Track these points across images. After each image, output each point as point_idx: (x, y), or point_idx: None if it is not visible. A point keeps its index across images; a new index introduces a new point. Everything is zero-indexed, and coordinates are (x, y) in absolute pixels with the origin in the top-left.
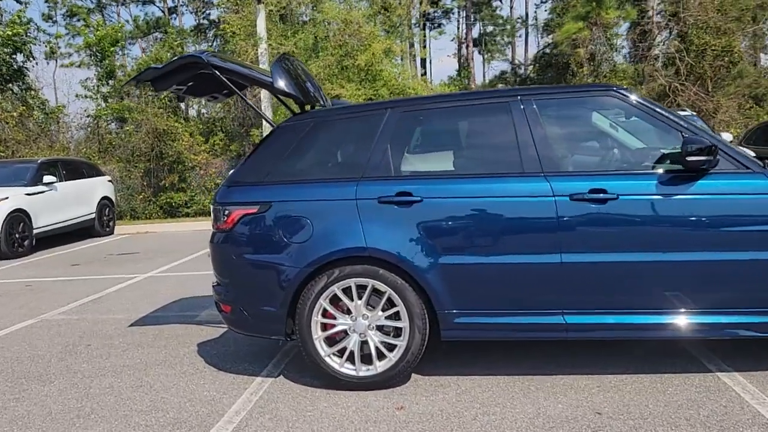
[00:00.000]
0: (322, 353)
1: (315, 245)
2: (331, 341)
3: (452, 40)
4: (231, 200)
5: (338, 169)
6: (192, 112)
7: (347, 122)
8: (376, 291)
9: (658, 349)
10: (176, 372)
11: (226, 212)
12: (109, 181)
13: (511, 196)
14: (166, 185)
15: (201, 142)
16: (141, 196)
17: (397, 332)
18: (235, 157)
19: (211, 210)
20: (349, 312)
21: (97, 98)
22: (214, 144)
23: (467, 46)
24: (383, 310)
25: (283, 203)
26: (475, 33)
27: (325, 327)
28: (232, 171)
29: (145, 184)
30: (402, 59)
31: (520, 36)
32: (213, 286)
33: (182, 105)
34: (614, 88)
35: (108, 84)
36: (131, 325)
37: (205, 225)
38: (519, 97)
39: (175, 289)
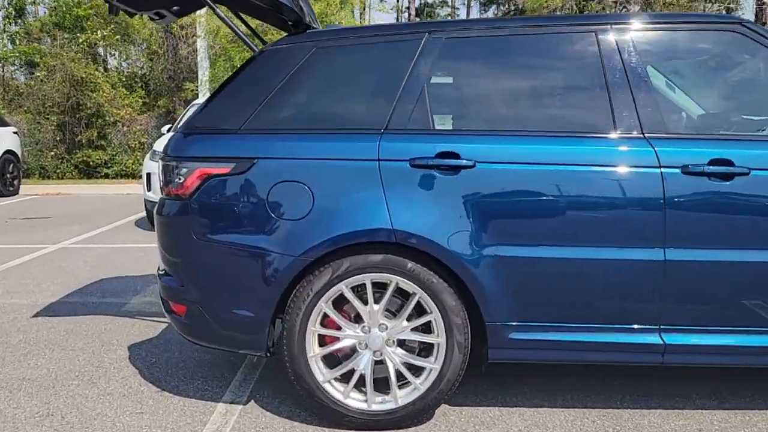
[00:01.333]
0: (320, 377)
1: (316, 224)
2: (332, 361)
3: (392, 9)
4: (192, 154)
5: (351, 115)
6: (113, 62)
7: (365, 49)
8: (399, 292)
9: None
10: (99, 392)
11: (184, 171)
12: (15, 133)
13: (600, 166)
14: (83, 141)
15: (124, 95)
16: (53, 153)
17: (427, 350)
18: (164, 114)
19: (159, 167)
20: (359, 320)
21: (2, 39)
22: (139, 99)
23: (408, 17)
24: (409, 319)
25: (271, 162)
26: (417, 2)
27: (324, 341)
28: (193, 113)
29: (58, 139)
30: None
31: (459, 8)
32: (159, 275)
33: (101, 53)
34: (742, 22)
35: (16, 23)
36: (36, 315)
37: (129, 188)
38: (611, 26)
39: (96, 266)
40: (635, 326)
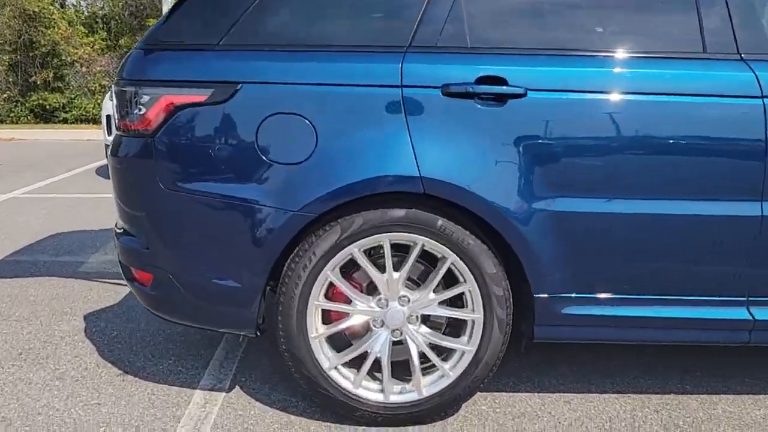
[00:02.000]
0: (324, 363)
1: (320, 170)
2: (339, 342)
3: None
4: (156, 76)
5: (365, 28)
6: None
7: None
8: (425, 257)
9: None
10: (46, 376)
11: (146, 99)
12: None
13: (685, 95)
14: (38, 83)
15: (83, 34)
16: (5, 96)
17: (457, 329)
18: (126, 54)
19: (113, 95)
20: (373, 291)
21: None
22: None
23: None
24: (436, 291)
25: (261, 87)
26: None
27: (329, 317)
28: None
29: (10, 80)
30: None
31: None
32: (116, 234)
33: None
34: None
35: None
36: None
37: (89, 134)
38: None
39: (50, 219)
40: (720, 298)
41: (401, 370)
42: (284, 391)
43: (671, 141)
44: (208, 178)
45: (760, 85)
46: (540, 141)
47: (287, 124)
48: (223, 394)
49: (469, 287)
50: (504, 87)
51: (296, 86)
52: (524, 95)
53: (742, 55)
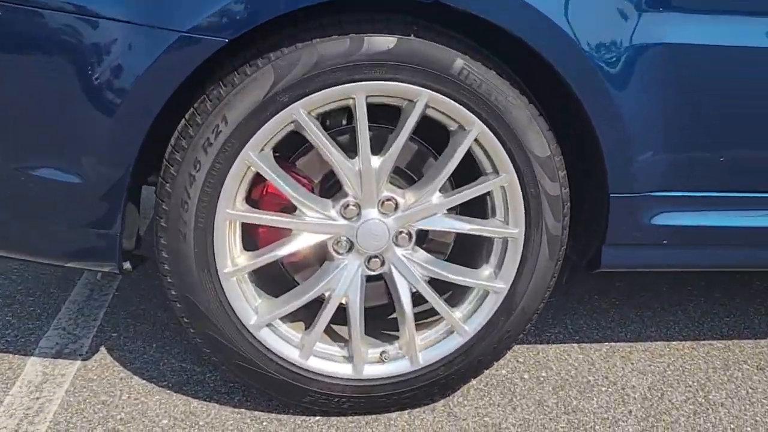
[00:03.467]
0: (250, 318)
1: None
2: (274, 282)
3: None
4: None
5: None
6: None
7: None
8: (423, 129)
9: None
10: None
11: None
12: None
13: None
14: None
15: None
16: None
17: (472, 254)
18: None
19: None
20: (333, 190)
21: None
22: None
23: None
24: (444, 191)
25: None
26: None
27: (257, 237)
28: None
29: None
30: None
31: None
32: None
33: None
34: None
35: None
36: None
37: None
38: None
39: None
40: None
41: (380, 323)
42: (180, 356)
43: None
44: None
45: None
46: None
47: None
48: (78, 362)
49: (503, 181)
50: None
51: None
52: None
53: None
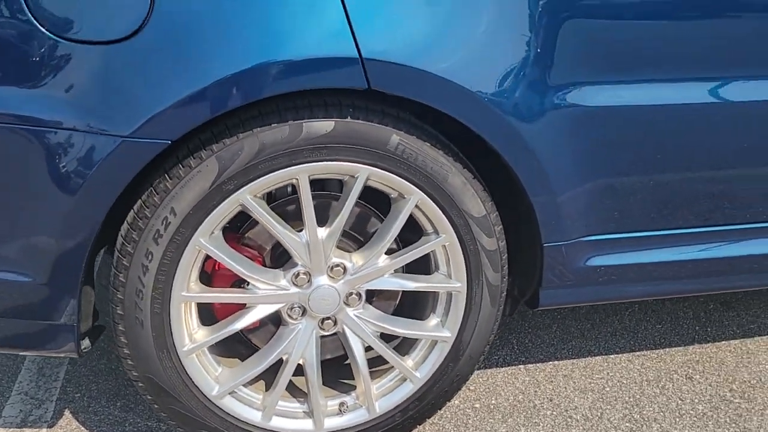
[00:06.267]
0: (212, 389)
1: (165, 55)
2: (233, 349)
3: None
4: None
5: None
6: None
7: None
8: (367, 194)
9: None
10: None
11: None
12: None
13: None
14: None
15: None
16: None
17: (417, 305)
18: None
19: None
20: (283, 259)
21: None
22: None
23: None
24: (391, 253)
25: None
26: None
27: (213, 312)
28: None
29: None
30: None
31: None
32: None
33: None
34: None
35: None
36: None
37: None
38: None
39: None
40: None
41: (338, 371)
42: (145, 414)
43: None
44: None
45: None
46: None
47: None
48: (44, 430)
49: (444, 241)
50: None
51: None
52: None
53: None
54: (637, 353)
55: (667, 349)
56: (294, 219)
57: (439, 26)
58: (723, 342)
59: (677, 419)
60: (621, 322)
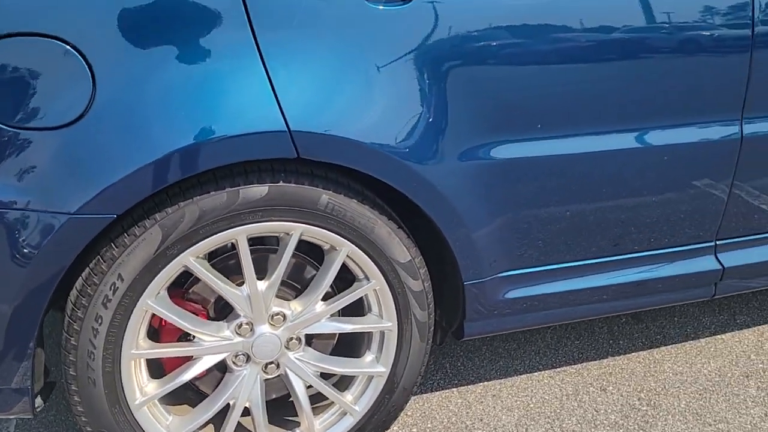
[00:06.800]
0: None
1: (107, 138)
2: (182, 397)
3: None
4: None
5: None
6: None
7: None
8: (302, 246)
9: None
10: None
11: None
12: None
13: None
14: None
15: None
16: None
17: (353, 344)
18: None
19: None
20: (226, 311)
21: None
22: None
23: None
24: (327, 299)
25: None
26: None
27: (162, 365)
28: None
29: None
30: None
31: None
32: None
33: None
34: None
35: None
36: None
37: None
38: None
39: None
40: (687, 247)
41: (281, 410)
42: None
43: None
44: None
45: None
46: (464, 58)
47: (37, 55)
48: None
49: (374, 286)
50: None
51: None
52: None
53: None
54: (558, 369)
55: (585, 364)
56: (234, 273)
57: (354, 99)
58: (633, 353)
59: (593, 429)
60: (543, 340)
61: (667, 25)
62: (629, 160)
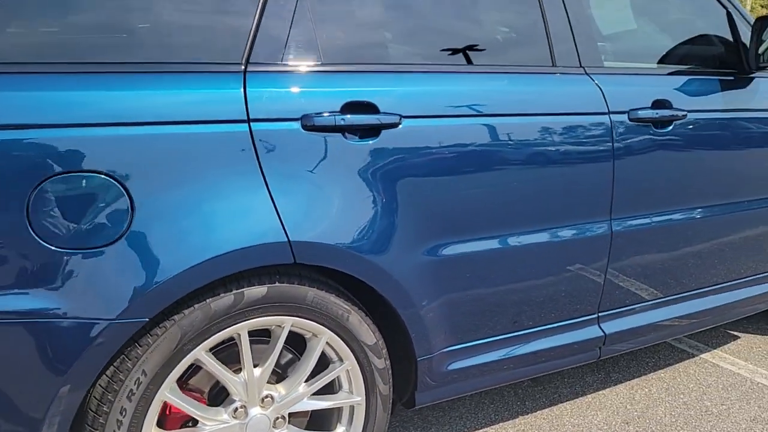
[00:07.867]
0: None
1: (140, 256)
2: None
3: None
4: None
5: (176, 35)
6: None
7: None
8: (290, 341)
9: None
10: None
11: None
12: None
13: (543, 115)
14: None
15: None
16: None
17: (324, 417)
18: None
19: None
20: (221, 397)
21: None
22: None
23: None
24: (309, 379)
25: (32, 134)
26: None
27: None
28: None
29: None
30: None
31: None
32: None
33: None
34: None
35: None
36: None
37: None
38: None
39: None
40: (575, 320)
41: None
42: None
43: (538, 160)
44: None
45: (605, 101)
46: (421, 178)
47: (82, 187)
48: None
49: (347, 367)
50: (376, 115)
51: (89, 128)
52: (398, 124)
53: (585, 68)
54: (480, 431)
55: (501, 424)
56: (230, 362)
57: (337, 214)
58: (538, 411)
59: None
60: (464, 406)
61: (560, 154)
62: (530, 254)
